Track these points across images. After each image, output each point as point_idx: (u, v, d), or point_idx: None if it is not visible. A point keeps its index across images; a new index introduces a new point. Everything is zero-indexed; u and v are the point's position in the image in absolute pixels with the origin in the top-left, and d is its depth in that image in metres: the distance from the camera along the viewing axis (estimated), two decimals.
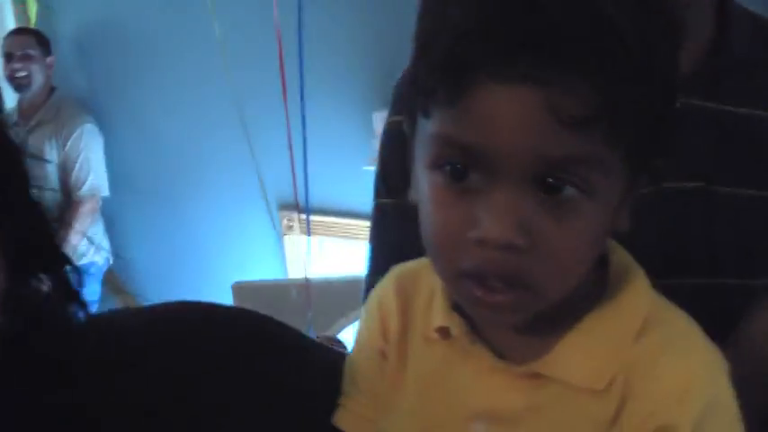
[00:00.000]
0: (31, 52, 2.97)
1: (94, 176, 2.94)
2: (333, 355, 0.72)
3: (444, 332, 0.61)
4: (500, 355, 0.59)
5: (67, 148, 2.92)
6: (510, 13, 0.47)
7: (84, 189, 2.92)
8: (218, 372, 0.64)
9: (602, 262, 0.59)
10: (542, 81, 0.47)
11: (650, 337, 0.56)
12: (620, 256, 0.60)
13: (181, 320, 0.67)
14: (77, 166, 2.92)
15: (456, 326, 0.60)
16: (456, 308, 0.60)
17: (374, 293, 0.69)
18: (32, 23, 3.26)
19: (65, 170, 2.93)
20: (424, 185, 0.54)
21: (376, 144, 1.00)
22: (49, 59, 3.02)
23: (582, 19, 0.47)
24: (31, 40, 3.00)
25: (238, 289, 1.92)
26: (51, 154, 2.92)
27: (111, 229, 3.12)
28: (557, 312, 0.55)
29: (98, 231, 3.02)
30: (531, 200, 0.50)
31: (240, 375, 0.65)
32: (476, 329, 0.60)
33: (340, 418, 0.67)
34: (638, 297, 0.58)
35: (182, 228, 3.07)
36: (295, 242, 2.61)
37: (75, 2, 3.23)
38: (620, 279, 0.58)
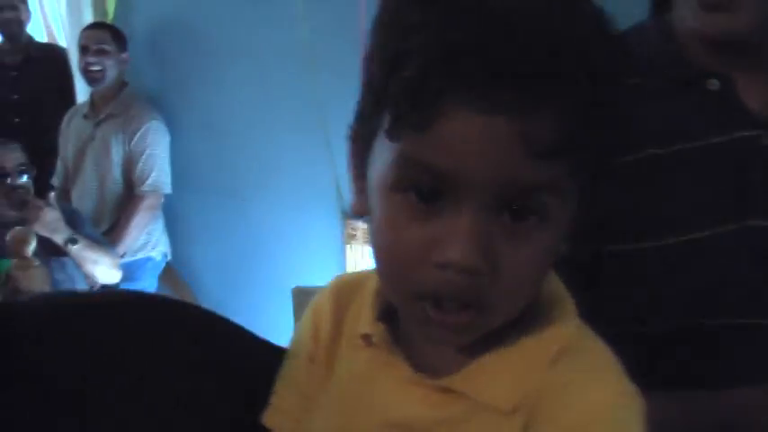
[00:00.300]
0: (106, 47, 2.99)
1: (158, 173, 2.95)
2: (277, 352, 0.73)
3: (368, 339, 0.63)
4: (419, 367, 0.60)
5: (133, 143, 2.93)
6: (487, 40, 0.47)
7: (147, 185, 2.92)
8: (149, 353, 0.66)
9: None
10: (517, 111, 0.47)
11: (564, 364, 0.56)
12: (554, 284, 0.61)
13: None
14: (141, 161, 2.92)
15: (378, 334, 0.61)
16: (381, 317, 0.62)
17: (314, 299, 0.71)
18: (110, 19, 3.30)
19: (129, 165, 2.94)
20: (384, 206, 0.54)
21: None
22: (123, 55, 3.04)
23: (560, 53, 0.48)
24: (106, 35, 3.03)
25: (299, 293, 1.88)
26: (117, 147, 2.94)
27: (172, 226, 3.11)
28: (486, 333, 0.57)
29: (158, 228, 3.02)
30: (494, 225, 0.51)
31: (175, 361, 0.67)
32: (399, 340, 0.61)
33: (268, 417, 0.68)
34: (562, 326, 0.58)
35: (243, 229, 3.04)
36: (356, 252, 2.56)
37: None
38: (549, 307, 0.59)
